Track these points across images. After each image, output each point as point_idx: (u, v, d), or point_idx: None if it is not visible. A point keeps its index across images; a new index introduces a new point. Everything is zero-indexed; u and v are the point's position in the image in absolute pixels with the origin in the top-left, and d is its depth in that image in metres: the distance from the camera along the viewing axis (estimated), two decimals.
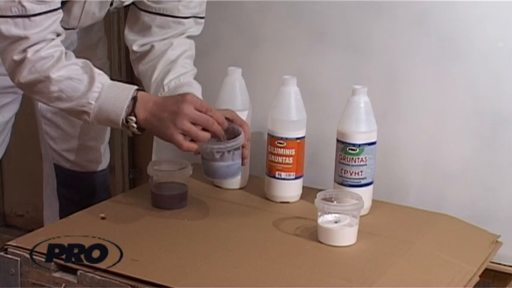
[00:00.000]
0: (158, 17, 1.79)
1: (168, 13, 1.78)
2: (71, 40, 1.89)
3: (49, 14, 1.54)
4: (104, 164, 2.09)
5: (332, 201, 1.59)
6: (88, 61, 1.60)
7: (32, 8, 1.51)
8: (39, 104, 1.98)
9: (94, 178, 2.06)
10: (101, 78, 1.58)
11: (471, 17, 1.74)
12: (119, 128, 1.59)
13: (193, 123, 1.55)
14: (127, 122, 1.57)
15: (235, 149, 1.60)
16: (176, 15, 1.79)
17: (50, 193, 2.11)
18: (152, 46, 1.80)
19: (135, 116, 1.56)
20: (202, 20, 1.85)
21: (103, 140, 2.07)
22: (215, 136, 1.59)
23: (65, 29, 1.73)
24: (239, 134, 1.61)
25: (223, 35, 2.03)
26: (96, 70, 1.59)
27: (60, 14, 1.58)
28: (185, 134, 1.55)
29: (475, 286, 1.52)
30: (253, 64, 1.98)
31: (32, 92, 1.60)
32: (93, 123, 1.59)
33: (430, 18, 1.78)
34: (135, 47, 1.82)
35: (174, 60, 1.78)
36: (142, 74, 1.82)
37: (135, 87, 1.59)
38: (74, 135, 2.01)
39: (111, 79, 1.61)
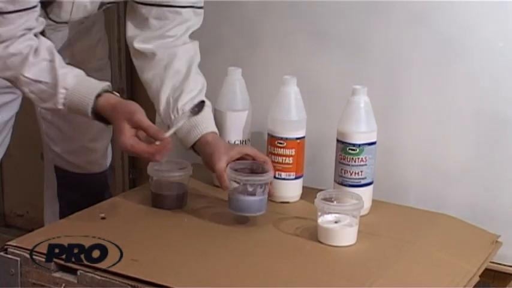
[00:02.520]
0: (154, 8, 1.76)
1: (164, 2, 1.75)
2: (70, 40, 1.89)
3: (22, 13, 1.55)
4: (105, 165, 2.09)
5: (332, 201, 1.59)
6: (53, 54, 1.61)
7: (5, 6, 1.53)
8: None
9: (94, 180, 2.06)
10: (64, 82, 1.59)
11: (471, 17, 1.74)
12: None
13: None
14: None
15: (266, 183, 1.63)
16: (172, 4, 1.76)
17: (51, 195, 2.10)
18: (153, 54, 1.78)
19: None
20: (201, 11, 1.82)
21: (103, 141, 2.06)
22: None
23: (57, 22, 1.74)
24: (267, 171, 1.63)
25: (223, 35, 2.03)
26: (60, 71, 1.59)
27: (34, 12, 1.58)
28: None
29: (475, 286, 1.52)
30: (253, 64, 1.98)
31: (18, 88, 1.63)
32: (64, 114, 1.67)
33: (430, 18, 1.78)
34: (135, 44, 1.80)
35: (184, 75, 1.76)
36: (147, 85, 1.80)
37: (95, 95, 1.59)
38: (74, 137, 2.01)
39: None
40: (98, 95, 1.59)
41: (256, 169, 1.64)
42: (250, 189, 1.61)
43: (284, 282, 1.41)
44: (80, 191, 2.03)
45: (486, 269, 1.60)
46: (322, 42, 1.91)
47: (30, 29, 1.58)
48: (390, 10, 1.82)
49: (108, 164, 2.12)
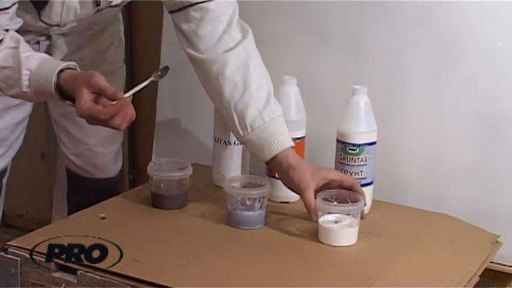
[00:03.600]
0: (180, 12, 1.69)
1: (185, 3, 1.67)
2: (79, 45, 1.88)
3: None
4: (113, 172, 2.07)
5: (333, 201, 1.59)
6: (19, 41, 1.58)
7: None
8: (51, 107, 1.99)
9: (101, 185, 2.04)
10: (27, 64, 1.55)
11: (471, 17, 1.74)
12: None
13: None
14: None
15: (264, 197, 1.63)
16: (194, 1, 1.67)
17: (61, 197, 2.10)
18: (203, 61, 1.68)
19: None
20: None
21: (112, 146, 2.05)
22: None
23: (49, 25, 1.73)
24: (358, 200, 1.58)
25: None
26: (23, 55, 1.56)
27: (7, 14, 1.58)
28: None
29: (475, 286, 1.52)
30: None
31: None
32: (34, 100, 1.63)
33: (430, 18, 1.78)
34: (186, 51, 1.72)
35: (242, 84, 1.66)
36: (210, 97, 1.72)
37: (57, 70, 1.53)
38: (82, 140, 2.00)
39: None
40: (61, 71, 1.54)
41: (348, 197, 1.59)
42: (248, 203, 1.61)
43: (284, 282, 1.41)
44: (88, 195, 2.01)
45: (486, 269, 1.60)
46: (322, 42, 1.91)
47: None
48: (390, 10, 1.82)
49: (117, 171, 2.09)
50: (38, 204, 2.78)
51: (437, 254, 1.56)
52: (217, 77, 1.67)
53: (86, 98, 1.48)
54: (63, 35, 1.82)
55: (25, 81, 1.55)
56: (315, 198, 1.59)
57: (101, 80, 1.49)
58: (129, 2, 1.84)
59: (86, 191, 2.02)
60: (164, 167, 1.75)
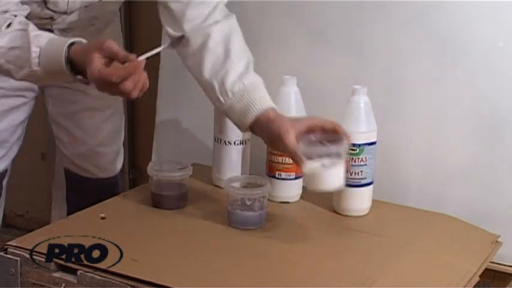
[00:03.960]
0: None
1: None
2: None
3: None
4: (114, 171, 2.07)
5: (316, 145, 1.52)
6: (27, 24, 1.56)
7: None
8: (50, 108, 1.99)
9: (103, 185, 2.04)
10: (37, 42, 1.53)
11: (471, 17, 1.74)
12: (73, 78, 1.53)
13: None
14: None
15: (264, 197, 1.62)
16: None
17: (60, 197, 2.10)
18: (187, 39, 1.69)
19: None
20: None
21: (113, 146, 2.05)
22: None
23: (56, 12, 1.73)
24: (340, 139, 1.53)
25: None
26: (32, 33, 1.54)
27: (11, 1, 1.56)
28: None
29: (475, 286, 1.52)
30: (253, 64, 1.98)
31: None
32: (44, 80, 1.58)
33: (430, 18, 1.78)
34: (169, 32, 1.74)
35: (224, 54, 1.67)
36: (192, 72, 1.73)
37: (68, 43, 1.51)
38: (83, 140, 2.00)
39: None
40: (71, 45, 1.51)
41: (330, 139, 1.53)
42: (248, 203, 1.61)
43: (284, 282, 1.41)
44: (88, 195, 2.01)
45: (486, 269, 1.60)
46: (322, 42, 1.91)
47: (6, 11, 1.56)
48: (390, 10, 1.82)
49: (118, 170, 2.09)
50: (38, 204, 2.78)
51: (437, 254, 1.56)
52: (201, 49, 1.68)
53: (97, 62, 1.44)
54: (65, 30, 1.82)
55: (35, 58, 1.52)
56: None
57: (113, 44, 1.46)
58: (129, 2, 1.84)
59: (86, 191, 2.02)
60: (164, 167, 1.75)
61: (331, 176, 1.52)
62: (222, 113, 1.68)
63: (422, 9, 1.79)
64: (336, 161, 1.51)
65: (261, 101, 1.61)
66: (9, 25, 1.56)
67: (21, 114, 1.90)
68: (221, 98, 1.64)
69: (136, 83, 1.44)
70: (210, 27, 1.69)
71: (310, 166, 1.51)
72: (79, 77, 1.50)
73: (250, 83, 1.63)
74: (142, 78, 1.45)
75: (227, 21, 1.71)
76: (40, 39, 1.53)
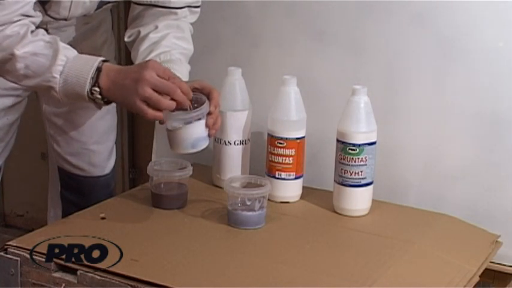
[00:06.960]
0: (150, 7, 1.78)
1: (160, 4, 1.77)
2: (75, 40, 1.89)
3: None
4: (108, 168, 2.07)
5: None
6: (57, 37, 1.59)
7: None
8: (44, 106, 1.98)
9: (97, 183, 2.04)
10: (66, 51, 1.56)
11: (471, 17, 1.74)
12: (86, 101, 1.57)
13: (156, 91, 1.52)
14: (92, 93, 1.55)
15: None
16: (168, 5, 1.78)
17: (55, 196, 2.10)
18: (138, 31, 1.80)
19: (99, 87, 1.55)
20: (198, 9, 1.83)
21: (107, 143, 2.05)
22: (180, 105, 1.55)
23: (56, 19, 1.73)
24: (202, 102, 1.58)
25: (223, 35, 2.03)
26: (63, 44, 1.57)
27: (30, 2, 1.57)
28: (147, 101, 1.52)
29: (475, 286, 1.52)
30: (253, 64, 1.98)
31: (1, 72, 1.60)
32: (62, 99, 1.58)
33: (430, 18, 1.78)
34: (125, 38, 1.83)
35: (155, 42, 1.77)
36: (132, 56, 1.82)
37: (101, 58, 1.57)
38: (77, 139, 2.00)
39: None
40: (104, 61, 1.57)
41: (196, 102, 1.59)
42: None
43: (284, 282, 1.41)
44: (83, 193, 2.02)
45: (486, 269, 1.60)
46: (322, 42, 1.91)
47: (26, 16, 1.57)
48: (390, 10, 1.82)
49: (111, 167, 2.10)
50: (38, 204, 2.78)
51: (437, 254, 1.56)
52: (141, 40, 1.79)
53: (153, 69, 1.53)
54: (59, 29, 1.82)
55: (59, 65, 1.54)
56: None
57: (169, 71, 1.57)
58: (125, 2, 1.85)
59: (80, 189, 2.03)
60: (164, 167, 1.75)
61: (192, 134, 1.57)
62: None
63: (422, 9, 1.79)
64: (197, 122, 1.56)
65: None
66: (32, 32, 1.57)
67: (15, 113, 1.91)
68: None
69: (170, 107, 1.53)
70: (159, 22, 1.79)
71: (171, 124, 1.56)
72: (96, 88, 1.55)
73: (174, 59, 1.74)
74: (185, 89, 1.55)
75: (178, 22, 1.81)
76: (69, 51, 1.57)
